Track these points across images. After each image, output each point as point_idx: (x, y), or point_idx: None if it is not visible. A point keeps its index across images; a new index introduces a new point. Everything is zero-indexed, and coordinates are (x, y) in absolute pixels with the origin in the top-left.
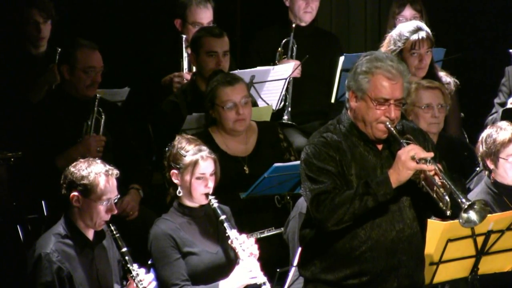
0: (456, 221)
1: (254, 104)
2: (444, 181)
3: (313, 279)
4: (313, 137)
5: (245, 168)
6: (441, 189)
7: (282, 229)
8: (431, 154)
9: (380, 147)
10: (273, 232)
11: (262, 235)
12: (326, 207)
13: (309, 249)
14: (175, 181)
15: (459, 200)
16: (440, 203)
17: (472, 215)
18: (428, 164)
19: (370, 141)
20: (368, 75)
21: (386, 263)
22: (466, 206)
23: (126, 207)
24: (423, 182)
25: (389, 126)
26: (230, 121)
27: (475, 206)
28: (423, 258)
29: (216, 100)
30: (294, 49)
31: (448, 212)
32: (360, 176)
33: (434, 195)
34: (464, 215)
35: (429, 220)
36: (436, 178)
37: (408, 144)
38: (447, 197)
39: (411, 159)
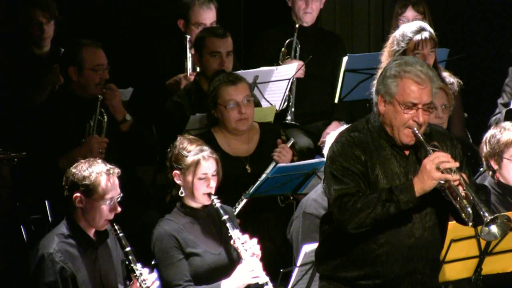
0: None
1: (258, 104)
2: (468, 192)
3: (328, 276)
4: (341, 135)
5: (247, 167)
6: (464, 200)
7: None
8: (457, 164)
9: (407, 152)
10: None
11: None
12: (348, 210)
13: (326, 246)
14: (178, 181)
15: (482, 214)
16: (463, 214)
17: (494, 229)
18: (452, 174)
19: (397, 145)
20: (396, 79)
21: (402, 269)
22: (488, 220)
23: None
24: (446, 190)
25: (417, 132)
26: (233, 121)
27: (498, 220)
28: (439, 264)
29: (218, 99)
30: (298, 49)
31: (470, 224)
32: (384, 178)
33: (457, 205)
34: (486, 229)
35: None
36: (460, 188)
37: (434, 151)
38: (469, 209)
39: (436, 169)
